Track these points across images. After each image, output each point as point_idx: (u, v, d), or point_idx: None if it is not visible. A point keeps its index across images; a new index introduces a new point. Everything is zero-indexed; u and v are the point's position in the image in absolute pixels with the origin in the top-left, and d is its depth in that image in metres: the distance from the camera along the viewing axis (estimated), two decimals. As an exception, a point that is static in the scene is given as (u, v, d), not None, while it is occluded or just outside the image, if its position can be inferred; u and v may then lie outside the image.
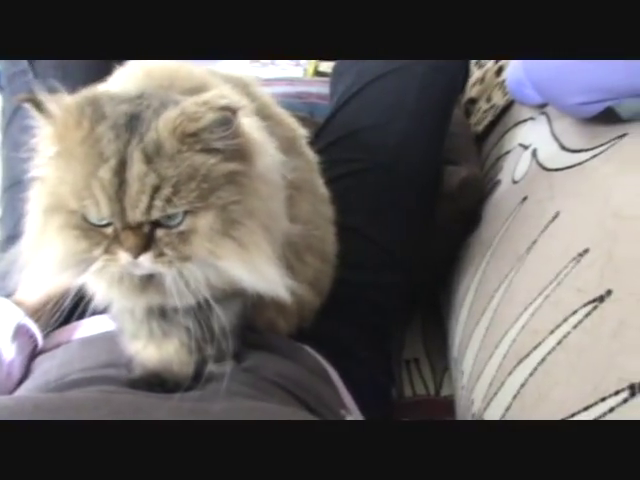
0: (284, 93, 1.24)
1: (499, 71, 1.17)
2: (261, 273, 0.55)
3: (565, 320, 0.60)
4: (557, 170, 0.79)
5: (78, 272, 0.55)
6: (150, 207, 0.50)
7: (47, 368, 0.69)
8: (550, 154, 0.83)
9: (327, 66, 1.53)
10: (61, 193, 0.52)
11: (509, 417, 0.63)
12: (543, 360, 0.60)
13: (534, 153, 0.88)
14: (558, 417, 0.54)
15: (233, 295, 0.60)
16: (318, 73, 1.58)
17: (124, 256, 0.52)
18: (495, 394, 0.67)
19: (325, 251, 0.76)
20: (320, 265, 0.74)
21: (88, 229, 0.52)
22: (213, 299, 0.55)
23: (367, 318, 0.85)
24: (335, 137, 0.95)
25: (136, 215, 0.51)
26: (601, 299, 0.57)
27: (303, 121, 0.79)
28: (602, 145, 0.72)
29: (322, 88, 1.24)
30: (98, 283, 0.57)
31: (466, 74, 1.06)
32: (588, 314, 0.57)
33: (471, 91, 1.24)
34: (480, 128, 1.15)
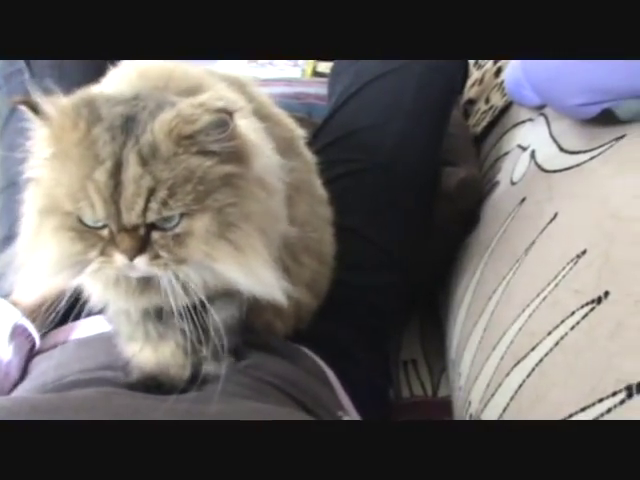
0: (282, 94, 1.24)
1: (498, 72, 1.17)
2: (257, 276, 0.55)
3: (563, 321, 0.60)
4: (555, 171, 0.79)
5: (73, 274, 0.55)
6: (146, 210, 0.50)
7: (44, 369, 0.69)
8: (549, 155, 0.83)
9: (325, 67, 1.53)
10: (56, 195, 0.52)
11: (506, 418, 0.62)
12: (541, 361, 0.60)
13: (532, 154, 0.88)
14: (556, 418, 0.54)
15: (227, 295, 0.60)
16: (316, 74, 1.58)
17: (119, 258, 0.52)
18: (492, 395, 0.67)
19: (323, 252, 0.76)
20: (317, 266, 0.74)
21: (83, 231, 0.52)
22: (207, 299, 0.55)
23: (365, 319, 0.85)
24: (333, 138, 0.95)
25: (132, 217, 0.50)
26: (599, 300, 0.57)
27: (301, 122, 0.79)
28: (601, 146, 0.72)
29: (320, 89, 1.24)
30: (94, 285, 0.57)
31: (465, 74, 1.06)
32: (585, 315, 0.57)
33: (470, 92, 1.24)
34: (479, 129, 1.15)
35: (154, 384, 0.62)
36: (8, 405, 0.55)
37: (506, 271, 0.76)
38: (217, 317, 0.57)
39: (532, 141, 0.92)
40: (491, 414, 0.66)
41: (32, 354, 0.73)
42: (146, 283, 0.55)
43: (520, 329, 0.67)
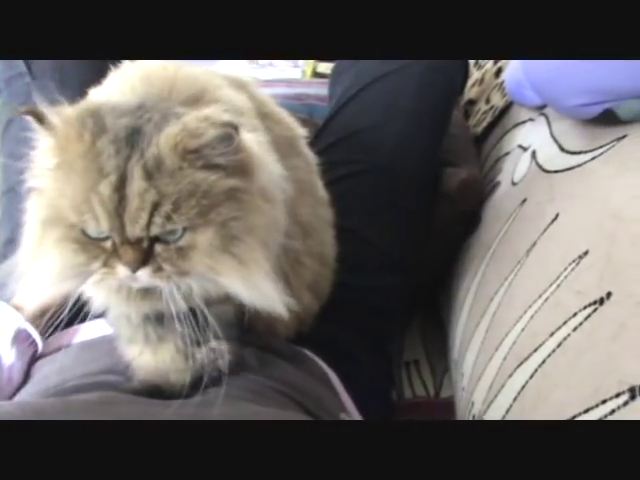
0: (283, 94, 1.24)
1: (498, 72, 1.17)
2: (259, 290, 0.55)
3: (565, 322, 0.60)
4: (556, 172, 0.79)
5: (76, 284, 0.55)
6: (149, 223, 0.50)
7: (47, 373, 0.68)
8: (549, 156, 0.83)
9: (325, 67, 1.53)
10: (60, 206, 0.52)
11: (509, 419, 0.62)
12: (543, 362, 0.60)
13: (533, 155, 0.88)
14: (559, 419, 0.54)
15: (225, 300, 0.60)
16: (316, 74, 1.58)
17: (122, 270, 0.52)
18: (495, 396, 0.67)
19: (324, 254, 0.75)
20: (319, 268, 0.74)
21: (86, 242, 0.52)
22: (205, 304, 0.55)
23: (366, 321, 0.85)
24: (334, 138, 0.95)
25: (135, 231, 0.50)
26: (601, 301, 0.57)
27: (303, 122, 0.79)
28: (602, 147, 0.72)
29: (320, 89, 1.24)
30: (96, 292, 0.57)
31: (465, 75, 1.06)
32: (588, 317, 0.57)
33: (470, 92, 1.24)
34: (479, 129, 1.15)
35: (155, 389, 0.62)
36: (11, 410, 0.54)
37: (508, 272, 0.76)
38: (216, 321, 0.56)
39: (533, 141, 0.91)
40: (494, 415, 0.66)
41: (35, 358, 0.73)
42: (147, 289, 0.55)
43: (522, 330, 0.67)
